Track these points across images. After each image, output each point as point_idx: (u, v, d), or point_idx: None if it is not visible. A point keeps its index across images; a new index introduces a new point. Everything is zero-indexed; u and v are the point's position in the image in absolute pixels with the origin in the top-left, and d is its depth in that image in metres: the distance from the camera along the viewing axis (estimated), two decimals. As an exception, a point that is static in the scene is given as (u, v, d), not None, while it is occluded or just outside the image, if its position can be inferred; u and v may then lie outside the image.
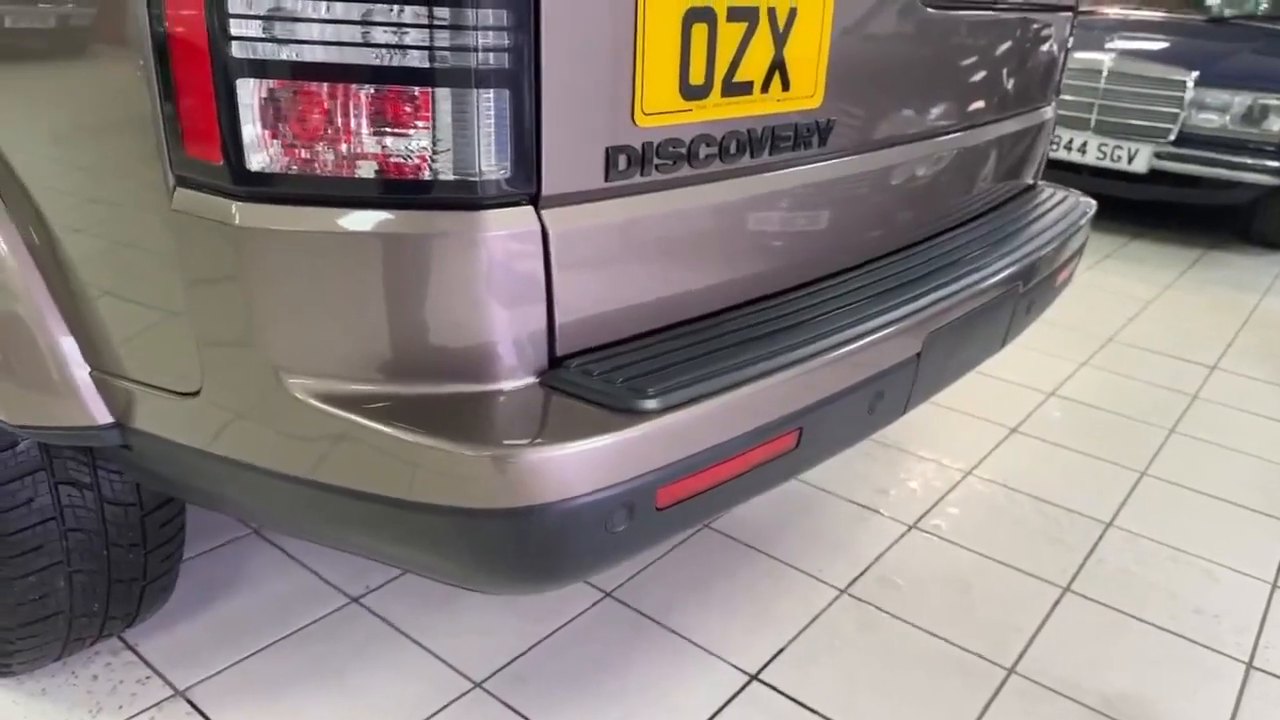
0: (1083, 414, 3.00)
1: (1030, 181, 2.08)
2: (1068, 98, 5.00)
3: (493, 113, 0.90)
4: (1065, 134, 5.02)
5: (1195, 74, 4.71)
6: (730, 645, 1.88)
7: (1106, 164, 4.95)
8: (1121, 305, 4.06)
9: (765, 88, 1.14)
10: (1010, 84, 1.78)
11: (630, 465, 0.96)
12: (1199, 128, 4.73)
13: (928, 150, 1.53)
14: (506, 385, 0.99)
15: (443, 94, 0.88)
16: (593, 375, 1.00)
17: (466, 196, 0.92)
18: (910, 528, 2.32)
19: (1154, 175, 4.86)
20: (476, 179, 0.92)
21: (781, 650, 1.88)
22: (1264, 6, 6.13)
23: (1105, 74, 4.90)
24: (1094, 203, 2.09)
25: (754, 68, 1.12)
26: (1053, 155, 5.08)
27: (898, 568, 2.16)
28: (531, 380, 1.02)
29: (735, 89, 1.10)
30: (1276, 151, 4.64)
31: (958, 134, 1.62)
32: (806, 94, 1.20)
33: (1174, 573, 2.21)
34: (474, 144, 0.90)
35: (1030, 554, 2.24)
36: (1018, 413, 2.97)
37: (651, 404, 0.98)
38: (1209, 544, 2.33)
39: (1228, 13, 6.03)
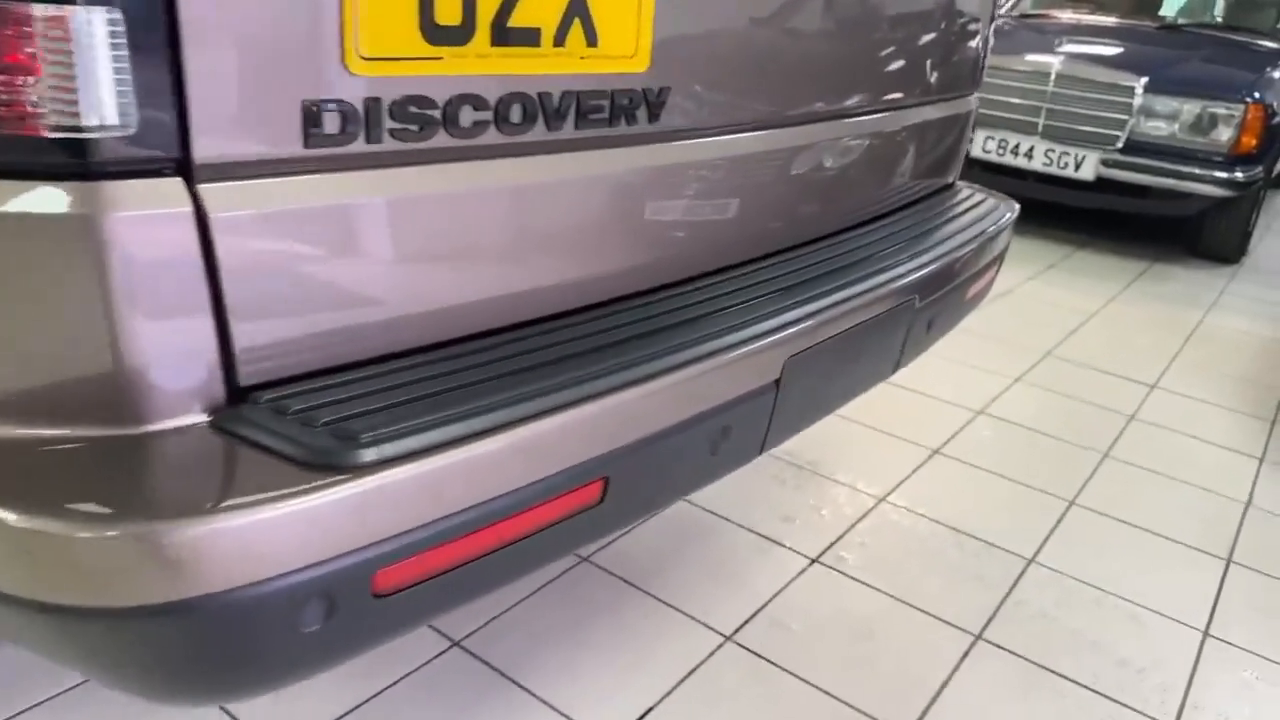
0: (1012, 435, 2.79)
1: (947, 180, 1.86)
2: (1016, 100, 4.84)
3: (107, 40, 0.63)
4: (1012, 138, 4.85)
5: (1144, 80, 4.55)
6: (589, 706, 1.63)
7: (1053, 170, 4.78)
8: (1062, 318, 3.87)
9: (560, 40, 0.89)
10: (917, 64, 1.54)
11: (330, 541, 0.70)
12: (1147, 135, 4.58)
13: (807, 137, 1.29)
14: (159, 428, 0.73)
15: (34, 11, 0.62)
16: (286, 415, 0.74)
17: (76, 161, 0.66)
18: (813, 561, 2.09)
19: (1101, 183, 4.71)
20: (90, 135, 0.65)
21: (648, 712, 1.64)
22: (1218, 16, 6.03)
23: (1054, 77, 4.74)
24: (1016, 206, 1.87)
25: (540, 12, 0.87)
26: (999, 160, 4.90)
27: (794, 609, 1.92)
28: (198, 420, 0.75)
29: (512, 37, 0.85)
30: (1224, 162, 4.50)
31: (848, 120, 1.38)
32: (624, 54, 0.95)
33: (1098, 617, 2.00)
34: (83, 85, 0.64)
35: (942, 594, 2.01)
36: (941, 432, 2.75)
37: (366, 455, 0.72)
38: (1138, 584, 2.12)
39: (1180, 20, 5.91)
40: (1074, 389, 3.16)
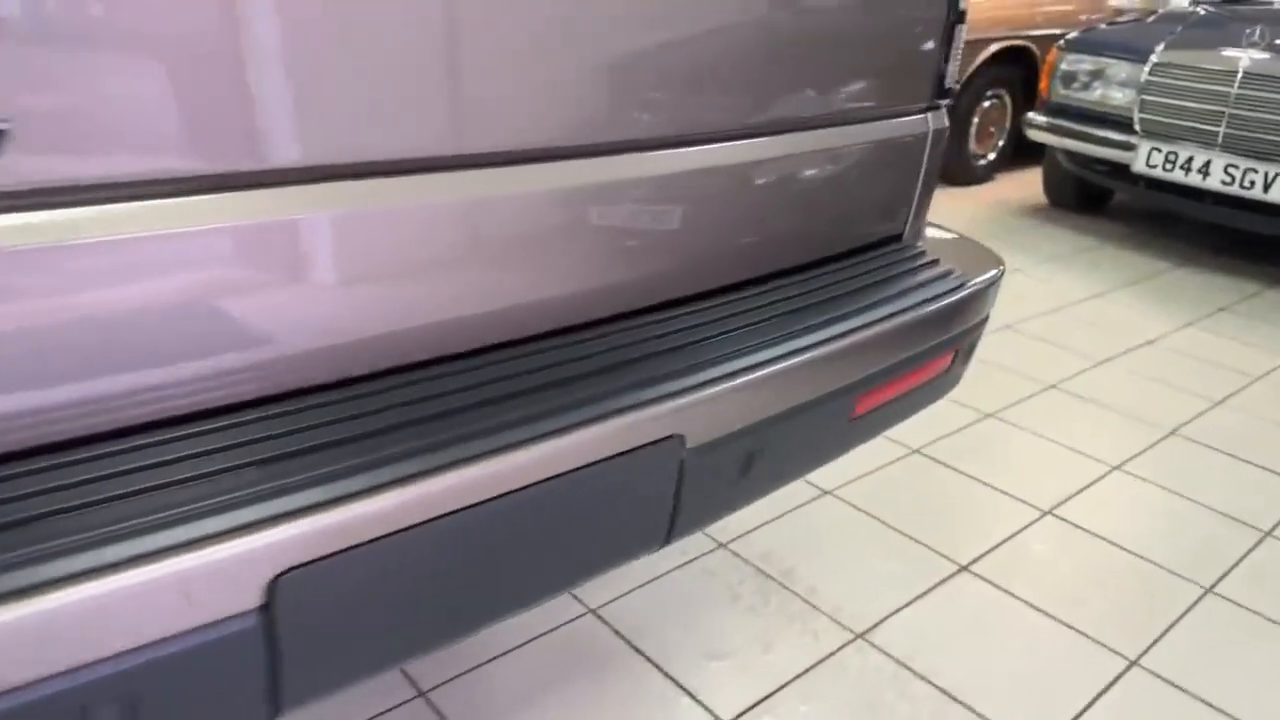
0: (1081, 550, 2.13)
1: (883, 234, 1.31)
2: (1190, 105, 3.98)
3: None
4: (1184, 151, 4.01)
5: (1361, 79, 3.61)
6: None
7: (1234, 190, 3.90)
8: (1213, 380, 3.06)
9: None
10: (781, 58, 1.03)
11: None
12: (1361, 149, 3.63)
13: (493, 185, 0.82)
14: None
15: None
16: None
17: None
18: (724, 725, 1.59)
19: (1297, 207, 3.79)
20: None
21: None
22: None
23: (1240, 77, 3.86)
24: (995, 272, 1.29)
25: None
26: (1167, 177, 4.06)
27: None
28: None
29: None
30: None
31: (593, 160, 0.90)
32: None
33: None
34: None
35: (880, 800, 1.46)
36: (982, 540, 2.13)
37: None
38: (1190, 814, 1.47)
39: None
40: (1194, 485, 2.42)
